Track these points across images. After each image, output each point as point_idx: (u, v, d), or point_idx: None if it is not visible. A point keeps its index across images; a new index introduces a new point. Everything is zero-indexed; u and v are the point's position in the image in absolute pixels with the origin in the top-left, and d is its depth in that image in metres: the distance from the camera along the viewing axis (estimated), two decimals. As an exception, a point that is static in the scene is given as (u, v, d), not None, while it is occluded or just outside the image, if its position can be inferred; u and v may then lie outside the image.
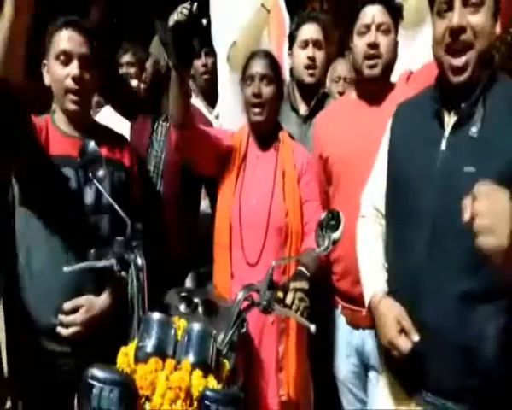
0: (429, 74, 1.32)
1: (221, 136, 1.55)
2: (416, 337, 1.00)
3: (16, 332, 1.40)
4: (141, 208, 1.48)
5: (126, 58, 2.41)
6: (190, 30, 1.20)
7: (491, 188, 0.79)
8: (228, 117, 2.15)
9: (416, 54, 1.66)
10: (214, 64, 2.31)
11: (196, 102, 2.40)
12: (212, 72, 2.33)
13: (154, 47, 1.92)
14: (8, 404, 1.66)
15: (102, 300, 1.34)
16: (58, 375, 1.30)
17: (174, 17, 1.20)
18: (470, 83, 1.04)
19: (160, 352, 0.92)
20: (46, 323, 1.30)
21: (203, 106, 2.38)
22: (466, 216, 0.78)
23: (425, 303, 1.04)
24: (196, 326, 0.97)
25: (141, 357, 0.91)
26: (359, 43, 1.43)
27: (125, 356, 0.94)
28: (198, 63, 2.40)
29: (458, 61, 1.03)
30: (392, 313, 1.06)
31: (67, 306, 1.29)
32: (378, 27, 1.40)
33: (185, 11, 1.18)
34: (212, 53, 2.32)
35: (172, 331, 0.97)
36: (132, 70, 2.44)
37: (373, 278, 1.19)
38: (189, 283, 2.28)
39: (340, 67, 2.44)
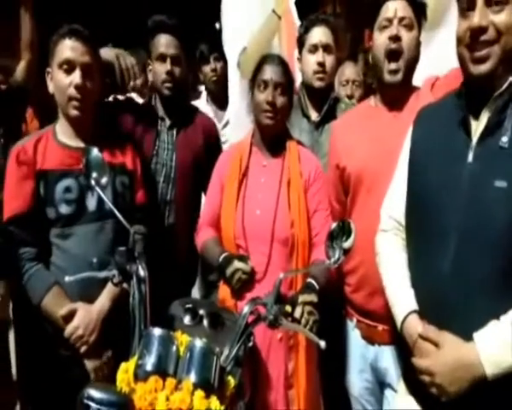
0: (455, 81, 1.25)
1: (217, 198, 1.52)
2: None
3: (25, 337, 1.42)
4: (145, 210, 1.50)
5: None
6: None
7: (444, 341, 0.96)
8: (238, 122, 2.12)
9: (431, 57, 1.60)
10: (223, 69, 2.30)
11: (206, 107, 2.39)
12: (222, 76, 2.32)
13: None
14: (18, 408, 1.65)
15: (102, 304, 1.34)
16: (67, 380, 1.28)
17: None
18: (493, 78, 0.97)
19: (161, 370, 0.88)
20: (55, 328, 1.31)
21: (212, 111, 2.37)
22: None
23: (452, 325, 0.97)
24: (199, 343, 0.92)
25: (140, 375, 0.88)
26: (380, 38, 1.36)
27: (124, 373, 0.90)
28: (207, 68, 2.39)
29: (479, 54, 0.98)
30: None
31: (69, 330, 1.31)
32: (400, 21, 1.34)
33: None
34: (221, 58, 2.31)
35: (174, 348, 0.93)
36: (138, 82, 2.41)
37: (401, 295, 1.11)
38: (196, 290, 2.25)
39: (349, 71, 2.41)
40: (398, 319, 1.09)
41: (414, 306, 1.07)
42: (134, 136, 1.71)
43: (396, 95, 1.40)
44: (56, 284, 1.31)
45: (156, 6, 2.06)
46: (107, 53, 1.59)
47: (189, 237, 1.65)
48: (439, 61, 1.47)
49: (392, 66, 1.35)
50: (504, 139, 0.95)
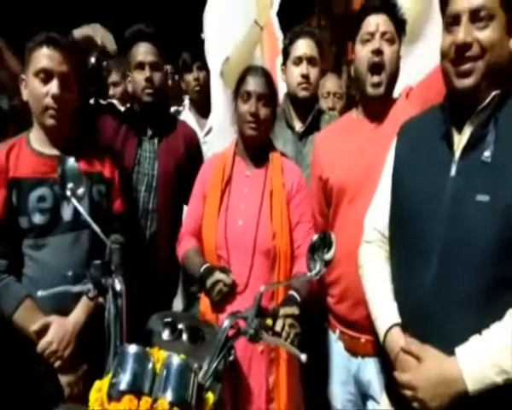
0: (428, 89, 1.26)
1: (200, 207, 1.50)
2: None
3: (0, 352, 1.35)
4: (123, 219, 1.47)
5: (111, 78, 2.38)
6: None
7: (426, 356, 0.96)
8: (220, 132, 2.11)
9: (408, 71, 1.63)
10: (206, 78, 2.30)
11: (189, 116, 2.38)
12: (204, 85, 2.31)
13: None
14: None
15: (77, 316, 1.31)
16: (40, 395, 1.26)
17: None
18: (477, 92, 0.98)
19: (136, 389, 0.85)
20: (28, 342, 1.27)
21: (194, 119, 2.35)
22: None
23: (434, 339, 0.97)
24: (176, 360, 0.89)
25: (114, 395, 0.84)
26: (363, 51, 1.37)
27: (98, 392, 0.86)
28: (190, 77, 2.38)
29: (463, 68, 0.98)
30: None
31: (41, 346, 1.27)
32: (382, 35, 1.36)
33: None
34: (204, 67, 2.30)
35: (150, 365, 0.89)
36: (118, 90, 2.39)
37: (384, 307, 1.11)
38: (177, 302, 2.21)
39: (330, 83, 2.44)
40: (381, 332, 1.08)
41: (397, 319, 1.07)
42: (115, 144, 1.68)
43: (377, 107, 1.41)
44: (28, 297, 1.26)
45: (139, 16, 2.05)
46: (82, 30, 1.58)
47: (171, 247, 1.62)
48: (415, 74, 1.49)
49: (375, 79, 1.36)
50: (487, 154, 0.95)
